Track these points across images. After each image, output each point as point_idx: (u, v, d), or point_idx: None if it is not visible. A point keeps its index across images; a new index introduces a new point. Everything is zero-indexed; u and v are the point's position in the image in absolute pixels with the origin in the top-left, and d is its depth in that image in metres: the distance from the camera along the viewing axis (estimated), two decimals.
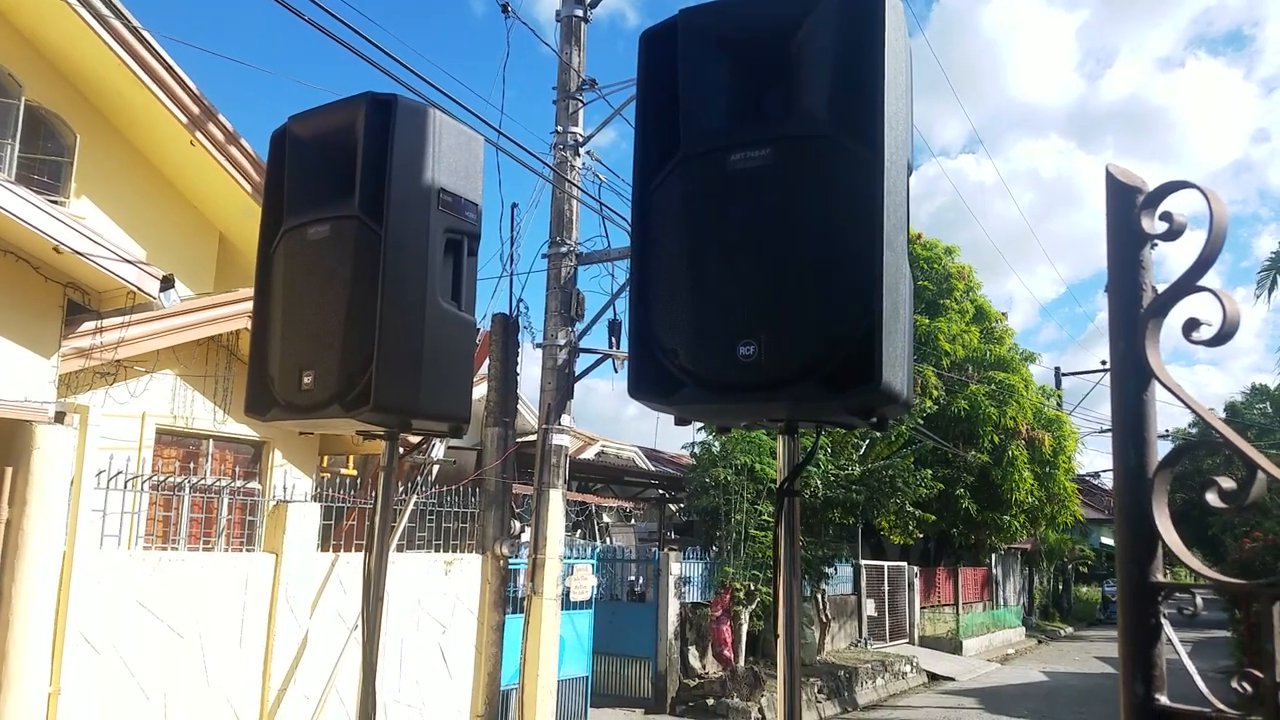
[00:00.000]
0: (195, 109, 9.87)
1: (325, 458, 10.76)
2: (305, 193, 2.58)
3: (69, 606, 5.80)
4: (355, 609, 7.78)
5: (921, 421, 18.03)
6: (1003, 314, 24.72)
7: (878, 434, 18.98)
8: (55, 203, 7.86)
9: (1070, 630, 30.26)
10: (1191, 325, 1.20)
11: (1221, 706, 1.11)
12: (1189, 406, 1.24)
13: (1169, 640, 1.16)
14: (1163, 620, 1.18)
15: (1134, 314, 1.24)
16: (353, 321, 2.38)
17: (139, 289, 6.08)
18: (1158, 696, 1.18)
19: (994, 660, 21.28)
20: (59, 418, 5.85)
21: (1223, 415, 33.42)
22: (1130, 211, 1.27)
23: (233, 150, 10.22)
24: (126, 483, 6.24)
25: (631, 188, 2.05)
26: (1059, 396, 29.63)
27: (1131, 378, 1.23)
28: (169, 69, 9.57)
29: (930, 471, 17.59)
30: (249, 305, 8.34)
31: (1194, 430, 35.41)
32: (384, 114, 2.44)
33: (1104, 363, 31.96)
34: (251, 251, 9.48)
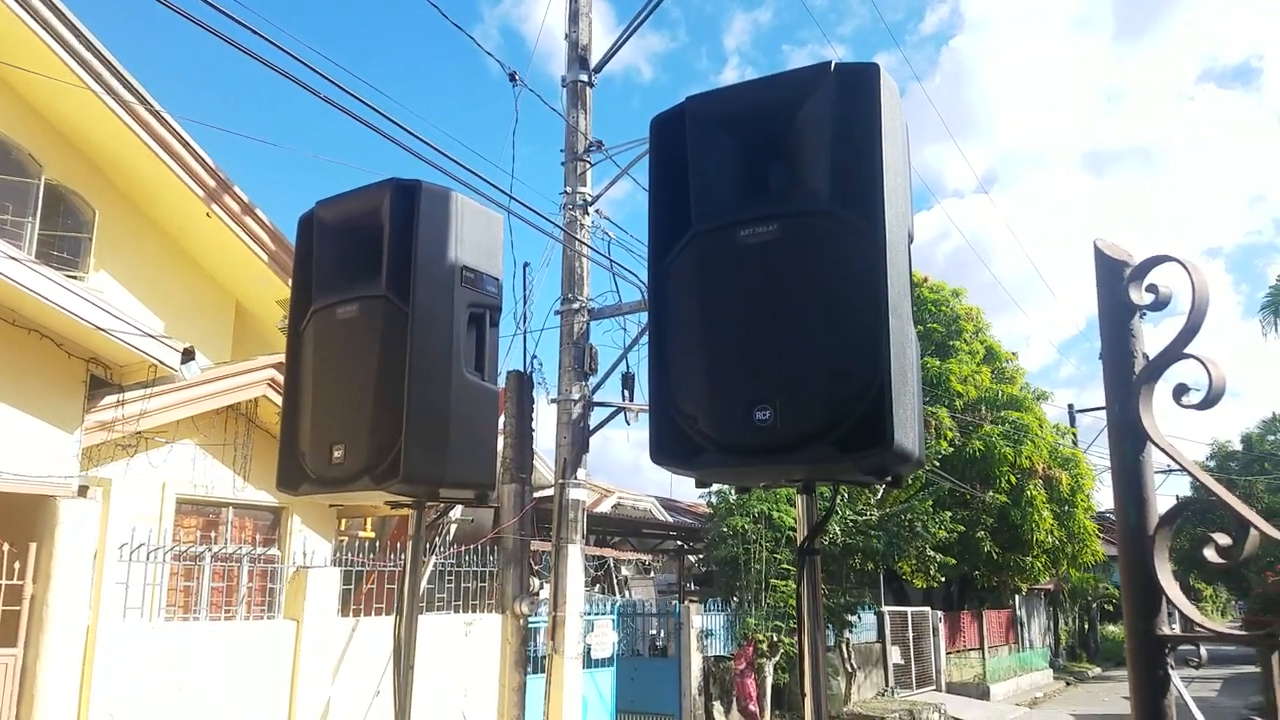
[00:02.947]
0: (211, 181, 10.15)
1: (343, 521, 10.81)
2: (333, 274, 2.70)
3: (93, 680, 5.83)
4: (377, 674, 7.76)
5: (938, 464, 17.96)
6: (1013, 353, 24.73)
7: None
8: (74, 278, 8.07)
9: (1098, 671, 29.68)
10: (1181, 391, 1.28)
11: None
12: (1183, 467, 1.31)
13: (1179, 692, 1.22)
14: (1170, 671, 1.24)
15: (1127, 380, 1.32)
16: (382, 396, 2.48)
17: (160, 362, 6.22)
18: None
19: (1022, 704, 20.87)
20: (82, 491, 5.95)
21: (1238, 448, 33.16)
22: (1118, 284, 1.36)
23: (248, 220, 10.48)
24: (149, 554, 6.31)
25: (647, 263, 2.15)
26: (1074, 434, 29.47)
27: (1128, 441, 1.31)
28: (185, 145, 9.87)
29: (949, 514, 17.46)
30: (268, 373, 8.50)
31: (1211, 462, 35.09)
32: (408, 198, 2.57)
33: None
34: (268, 318, 9.60)
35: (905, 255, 1.92)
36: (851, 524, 15.53)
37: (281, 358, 8.85)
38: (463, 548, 9.48)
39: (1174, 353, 1.28)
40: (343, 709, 7.36)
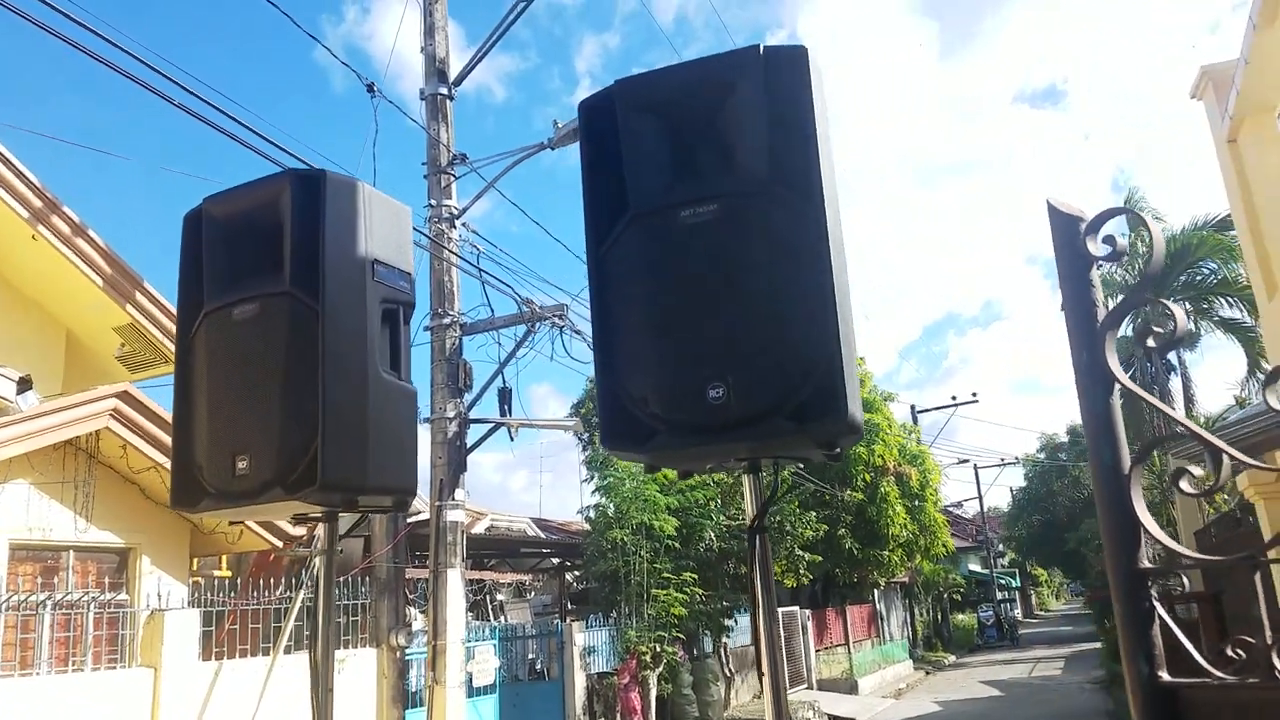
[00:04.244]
0: (38, 202, 9.27)
1: (195, 561, 10.05)
2: (227, 273, 2.50)
3: None
4: (244, 718, 7.24)
5: (800, 466, 18.58)
6: (861, 358, 26.00)
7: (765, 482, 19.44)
8: None
9: (953, 659, 31.40)
10: (1144, 333, 1.34)
11: (1221, 675, 1.23)
12: (1153, 404, 1.38)
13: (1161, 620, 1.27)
14: (1154, 603, 1.30)
15: (1091, 328, 1.38)
16: (291, 400, 2.31)
17: None
18: (1161, 674, 1.28)
19: (889, 696, 21.79)
20: None
21: (1066, 439, 36.08)
22: (1075, 238, 1.42)
23: (80, 242, 9.62)
24: None
25: (586, 248, 2.10)
26: (918, 433, 31.19)
27: (1099, 384, 1.37)
28: (5, 161, 8.99)
29: (814, 514, 18.11)
30: (110, 403, 7.81)
31: (1042, 454, 38.00)
32: (312, 188, 2.41)
33: (954, 398, 33.97)
34: (103, 347, 8.86)
35: (840, 229, 1.96)
36: (725, 529, 15.82)
37: (125, 387, 8.21)
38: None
39: (1137, 298, 1.35)
40: None
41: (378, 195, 2.57)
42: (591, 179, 2.13)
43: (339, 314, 2.35)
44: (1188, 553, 1.30)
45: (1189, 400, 20.76)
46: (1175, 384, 21.14)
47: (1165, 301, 1.31)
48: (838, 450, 1.98)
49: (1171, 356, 21.19)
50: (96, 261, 9.63)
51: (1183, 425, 1.30)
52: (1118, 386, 1.37)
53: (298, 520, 2.56)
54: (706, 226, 1.97)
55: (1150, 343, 1.34)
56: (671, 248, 2.00)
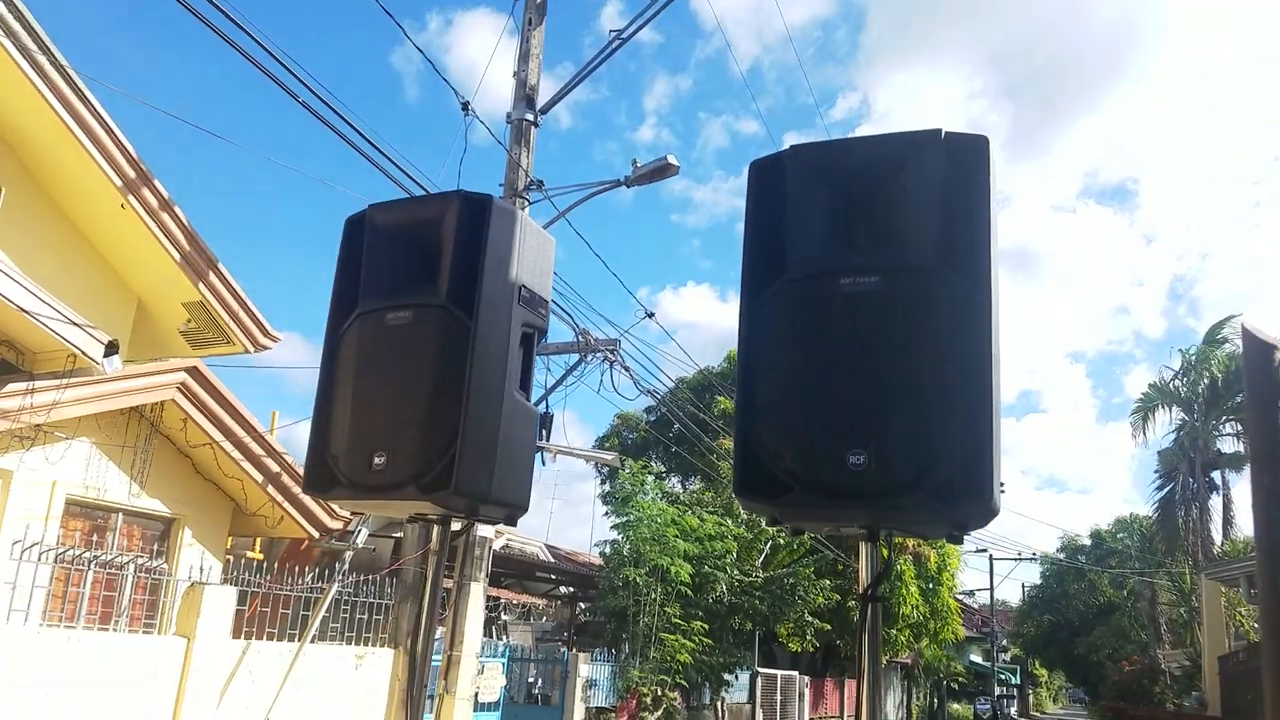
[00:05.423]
0: (131, 172, 9.60)
1: (230, 539, 10.20)
2: (384, 279, 2.63)
3: None
4: (264, 700, 7.32)
5: (821, 534, 18.48)
6: None
7: (780, 541, 19.34)
8: None
9: None
10: None
11: None
12: None
13: None
14: None
15: (1275, 454, 1.46)
16: (436, 406, 2.42)
17: (82, 352, 5.80)
18: None
19: None
20: None
21: (1088, 542, 35.50)
22: (1267, 366, 1.50)
23: (164, 217, 9.92)
24: (40, 555, 5.80)
25: (740, 302, 2.21)
26: None
27: (1276, 509, 1.44)
28: (106, 128, 9.32)
29: (828, 581, 17.96)
30: (179, 377, 8.03)
31: (1061, 555, 37.34)
32: (478, 211, 2.55)
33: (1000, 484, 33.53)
34: (169, 320, 9.11)
35: (1000, 319, 2.05)
36: (738, 584, 15.74)
37: (194, 363, 8.42)
38: (360, 578, 9.10)
39: None
40: None
41: (530, 224, 2.71)
42: (753, 236, 2.24)
43: (488, 333, 2.47)
44: None
45: (1227, 521, 20.44)
46: (1215, 502, 20.86)
47: None
48: (966, 532, 2.05)
49: (1216, 475, 20.96)
50: (177, 237, 9.92)
51: None
52: None
53: (413, 520, 2.66)
54: (866, 296, 2.06)
55: None
56: (827, 313, 2.09)
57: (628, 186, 10.33)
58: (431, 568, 2.64)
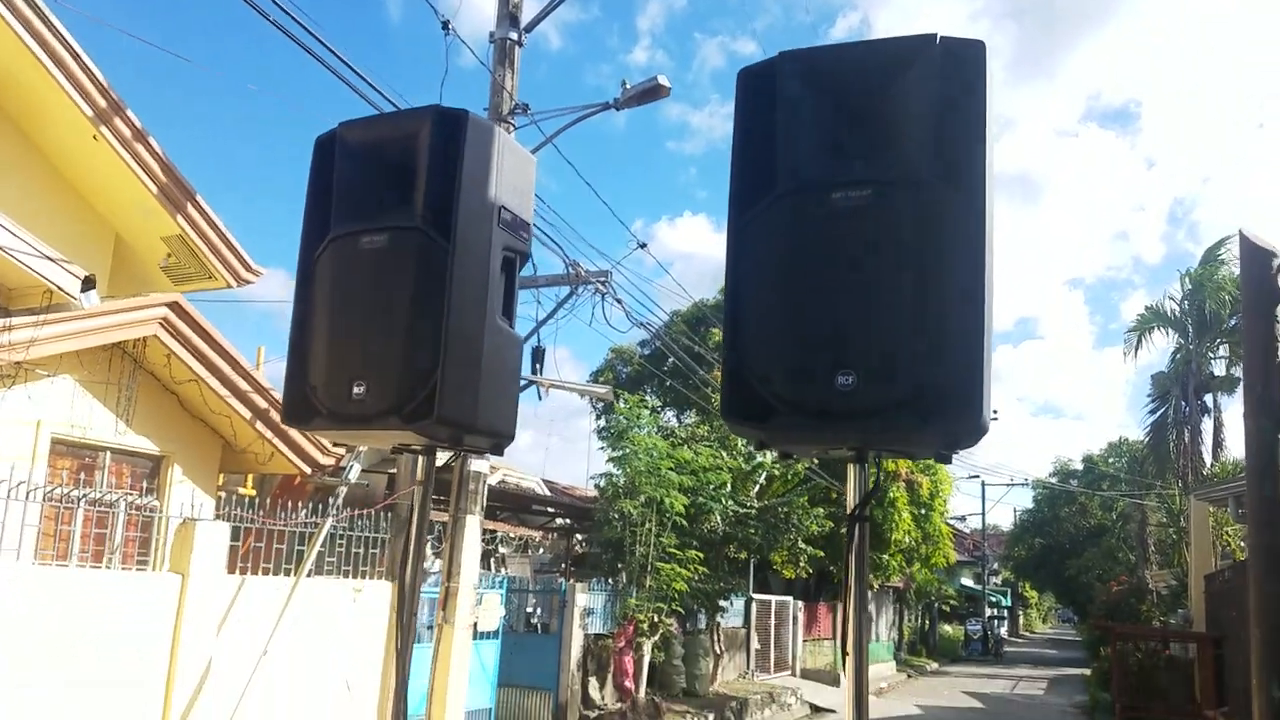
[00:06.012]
0: (102, 101, 9.31)
1: (222, 476, 10.22)
2: (357, 200, 2.53)
3: None
4: (264, 634, 7.40)
5: (815, 462, 18.61)
6: None
7: (775, 472, 19.52)
8: None
9: (936, 666, 31.59)
10: None
11: None
12: None
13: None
14: None
15: (1269, 362, 1.40)
16: (415, 333, 2.35)
17: (59, 288, 5.69)
18: None
19: (870, 693, 21.93)
20: None
21: (1080, 466, 35.96)
22: (1265, 272, 1.43)
23: (138, 148, 9.67)
24: (28, 494, 5.78)
25: (727, 218, 2.12)
26: None
27: (1269, 418, 1.39)
28: (76, 57, 9.01)
29: (821, 509, 18.18)
30: (160, 312, 7.91)
31: (1053, 479, 37.89)
32: (453, 127, 2.43)
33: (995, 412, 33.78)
34: (149, 255, 8.93)
35: (995, 233, 1.97)
36: (733, 514, 15.92)
37: (175, 298, 8.30)
38: (355, 512, 9.14)
39: None
40: (226, 671, 6.98)
41: (510, 141, 2.60)
42: (742, 148, 2.13)
43: (467, 255, 2.39)
44: None
45: (1217, 443, 20.66)
46: (1206, 424, 21.05)
47: None
48: (955, 452, 2.01)
49: (1208, 399, 21.12)
50: (153, 169, 9.68)
51: None
52: None
53: (397, 451, 2.61)
54: (859, 211, 1.98)
55: None
56: (819, 228, 2.01)
57: (617, 109, 10.08)
58: (417, 499, 2.60)
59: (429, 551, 10.58)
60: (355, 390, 2.38)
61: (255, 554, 8.09)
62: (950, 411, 1.87)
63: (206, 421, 8.72)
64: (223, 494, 9.85)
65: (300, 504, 8.60)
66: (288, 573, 7.89)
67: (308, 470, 9.08)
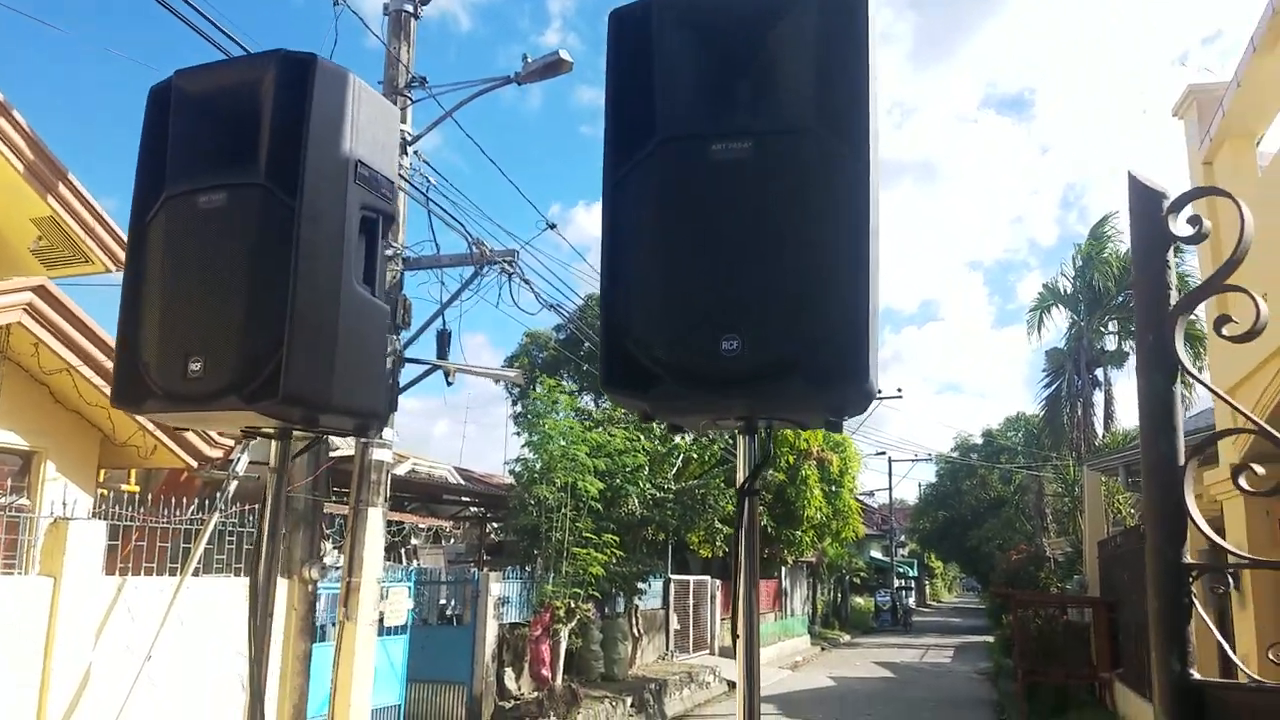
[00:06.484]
0: None
1: (103, 472, 9.60)
2: (194, 156, 2.26)
3: None
4: (147, 638, 6.96)
5: (731, 442, 18.72)
6: None
7: (693, 455, 19.56)
8: None
9: (848, 638, 32.40)
10: (1222, 321, 1.27)
11: (1258, 677, 1.17)
12: (1217, 394, 1.32)
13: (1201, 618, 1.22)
14: (1193, 599, 1.24)
15: (1162, 310, 1.31)
16: (256, 302, 2.11)
17: None
18: (1193, 672, 1.23)
19: (785, 668, 22.37)
20: None
21: (980, 441, 37.26)
22: (1155, 215, 1.33)
23: (2, 122, 8.95)
24: None
25: (603, 172, 1.94)
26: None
27: (1161, 370, 1.29)
28: None
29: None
30: (25, 297, 7.32)
31: (955, 454, 39.14)
32: (300, 74, 2.19)
33: (880, 391, 34.66)
34: (18, 238, 8.27)
35: (879, 188, 1.85)
36: (650, 497, 15.89)
37: (42, 281, 7.70)
38: (246, 507, 8.69)
39: (1215, 283, 1.28)
40: (106, 677, 6.53)
41: (367, 90, 2.36)
42: (616, 95, 1.96)
43: (316, 215, 2.15)
44: (1238, 551, 1.25)
45: (1108, 415, 21.59)
46: (1098, 398, 21.97)
47: (1248, 289, 1.24)
48: (837, 420, 1.90)
49: (1099, 373, 22.06)
50: (18, 145, 8.94)
51: (1250, 419, 1.24)
52: (1180, 375, 1.30)
53: (248, 434, 2.37)
54: (738, 165, 1.83)
55: (1225, 332, 1.26)
56: (697, 183, 1.86)
57: (519, 84, 9.77)
58: (271, 488, 2.36)
59: (329, 546, 10.20)
60: (191, 367, 2.13)
61: (138, 553, 7.60)
62: (837, 376, 1.75)
63: (82, 414, 8.15)
64: (105, 491, 9.26)
65: (187, 500, 8.12)
66: (174, 572, 7.44)
67: (194, 464, 8.59)
